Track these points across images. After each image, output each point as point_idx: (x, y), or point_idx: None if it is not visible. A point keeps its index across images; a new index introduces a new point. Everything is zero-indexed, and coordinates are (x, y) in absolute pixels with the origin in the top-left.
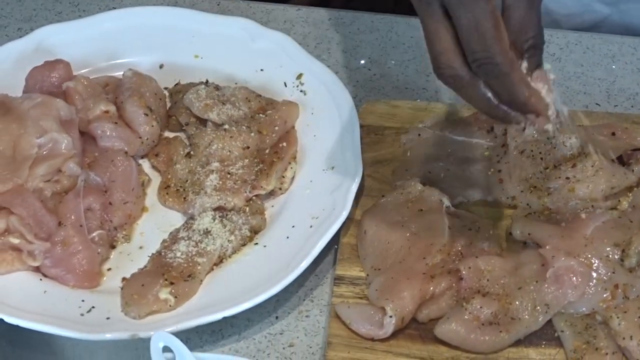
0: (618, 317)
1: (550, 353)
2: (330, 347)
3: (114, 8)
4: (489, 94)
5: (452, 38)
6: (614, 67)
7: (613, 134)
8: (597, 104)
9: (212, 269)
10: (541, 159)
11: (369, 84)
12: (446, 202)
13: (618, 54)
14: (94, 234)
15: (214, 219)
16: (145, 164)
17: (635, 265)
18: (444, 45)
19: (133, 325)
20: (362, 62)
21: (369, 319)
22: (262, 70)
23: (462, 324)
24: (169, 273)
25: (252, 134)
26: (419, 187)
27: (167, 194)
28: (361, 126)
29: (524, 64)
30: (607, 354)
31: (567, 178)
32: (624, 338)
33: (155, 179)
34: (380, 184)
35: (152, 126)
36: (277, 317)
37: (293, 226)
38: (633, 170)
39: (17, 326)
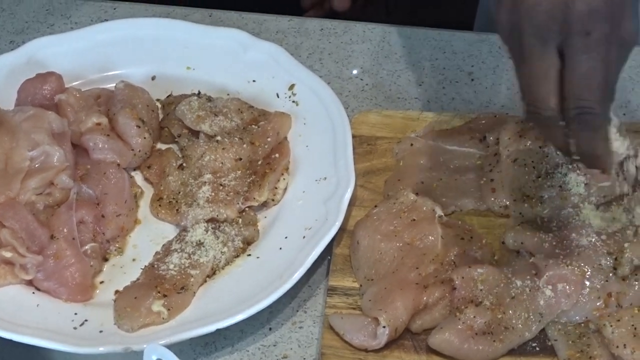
0: (611, 326)
1: None
2: (324, 358)
3: (106, 20)
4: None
5: (557, 80)
6: None
7: None
8: None
9: (205, 281)
10: (533, 167)
11: (362, 94)
12: (439, 211)
13: None
14: (86, 247)
15: (206, 231)
16: (138, 176)
17: (628, 273)
18: (549, 87)
19: (126, 338)
20: (355, 72)
21: (363, 330)
22: (254, 81)
23: (455, 334)
24: (162, 285)
25: (245, 146)
26: (412, 197)
27: (159, 206)
28: (353, 136)
29: None
30: None
31: (560, 187)
32: (617, 346)
33: (148, 191)
34: (372, 194)
35: (145, 138)
36: (270, 329)
37: (286, 237)
38: (626, 179)
39: (10, 340)
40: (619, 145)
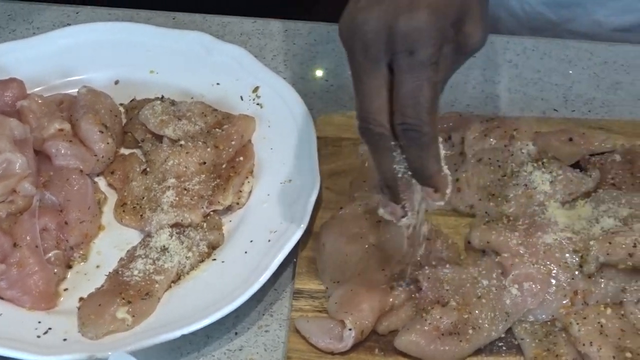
0: (578, 324)
1: None
2: None
3: (69, 24)
4: (395, 166)
5: (388, 98)
6: (571, 72)
7: (570, 139)
8: (554, 109)
9: (170, 287)
10: (499, 166)
11: (326, 95)
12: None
13: (575, 59)
14: (50, 254)
15: (171, 236)
16: (101, 182)
17: (594, 271)
18: (380, 103)
19: (90, 346)
20: (319, 73)
21: (329, 333)
22: (218, 84)
23: (421, 335)
24: (127, 292)
25: (209, 149)
26: (377, 197)
27: (123, 211)
28: (318, 138)
29: None
30: None
31: (525, 185)
32: (583, 344)
33: (112, 197)
34: (338, 195)
35: (108, 143)
36: (236, 333)
37: (251, 241)
38: (591, 176)
39: None
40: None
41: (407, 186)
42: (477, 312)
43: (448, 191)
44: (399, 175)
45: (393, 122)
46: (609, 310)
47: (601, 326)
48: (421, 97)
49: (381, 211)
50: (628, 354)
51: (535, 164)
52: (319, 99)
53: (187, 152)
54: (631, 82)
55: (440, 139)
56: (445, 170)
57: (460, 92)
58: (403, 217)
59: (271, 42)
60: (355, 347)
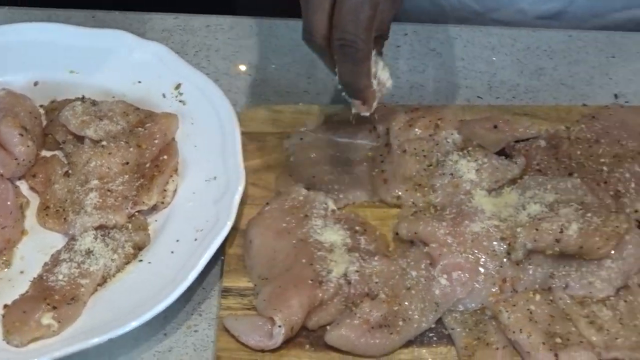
0: (507, 311)
1: (442, 352)
2: None
3: None
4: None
5: (329, 12)
6: (494, 59)
7: (495, 126)
8: (479, 96)
9: (96, 290)
10: (424, 156)
11: (250, 90)
12: (331, 205)
13: (498, 46)
14: None
15: (95, 238)
16: (23, 186)
17: (522, 258)
18: (322, 17)
19: (16, 353)
20: (243, 68)
21: (258, 330)
22: (139, 82)
23: (351, 329)
24: (52, 297)
25: (131, 149)
26: (304, 192)
27: (46, 215)
28: (243, 133)
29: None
30: (497, 348)
31: (451, 174)
32: (513, 332)
33: (34, 201)
34: (264, 191)
35: (28, 146)
36: (165, 334)
37: (177, 240)
38: (516, 163)
39: None
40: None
41: None
42: (406, 303)
43: (375, 104)
44: None
45: (332, 36)
46: (537, 297)
47: (530, 313)
48: (361, 14)
49: (353, 110)
50: (558, 340)
51: (460, 153)
52: (243, 94)
53: (109, 153)
54: (554, 67)
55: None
56: (375, 85)
57: None
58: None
59: (193, 37)
60: (285, 343)
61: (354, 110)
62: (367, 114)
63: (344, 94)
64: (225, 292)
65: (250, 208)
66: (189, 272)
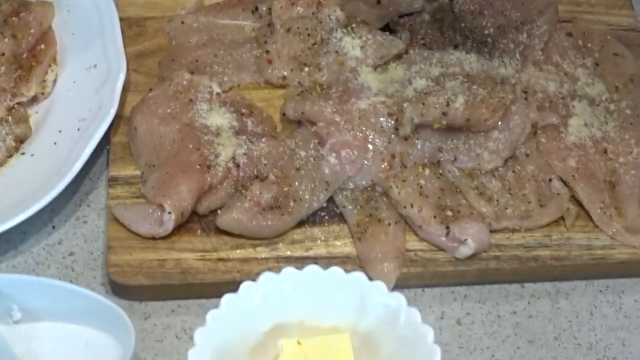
0: (397, 187)
1: (334, 230)
2: (111, 251)
3: None
4: None
5: None
6: None
7: (378, 2)
8: None
9: None
10: (308, 35)
11: None
12: (216, 88)
13: None
14: None
15: None
16: None
17: (410, 132)
18: None
19: None
20: None
21: (148, 218)
22: None
23: (242, 212)
24: None
25: (6, 40)
26: (187, 76)
27: None
28: (121, 19)
29: None
30: (389, 224)
31: (336, 52)
32: (405, 207)
33: None
34: (147, 77)
35: None
36: (54, 227)
37: (60, 131)
38: (401, 38)
39: None
40: None
41: None
42: (296, 184)
43: None
44: None
45: None
46: (427, 171)
47: (420, 187)
48: None
49: None
50: (449, 212)
51: (344, 30)
52: None
53: None
54: None
55: None
56: None
57: None
58: None
59: None
60: (176, 230)
61: None
62: None
63: None
64: (113, 181)
65: (134, 95)
66: (74, 162)
